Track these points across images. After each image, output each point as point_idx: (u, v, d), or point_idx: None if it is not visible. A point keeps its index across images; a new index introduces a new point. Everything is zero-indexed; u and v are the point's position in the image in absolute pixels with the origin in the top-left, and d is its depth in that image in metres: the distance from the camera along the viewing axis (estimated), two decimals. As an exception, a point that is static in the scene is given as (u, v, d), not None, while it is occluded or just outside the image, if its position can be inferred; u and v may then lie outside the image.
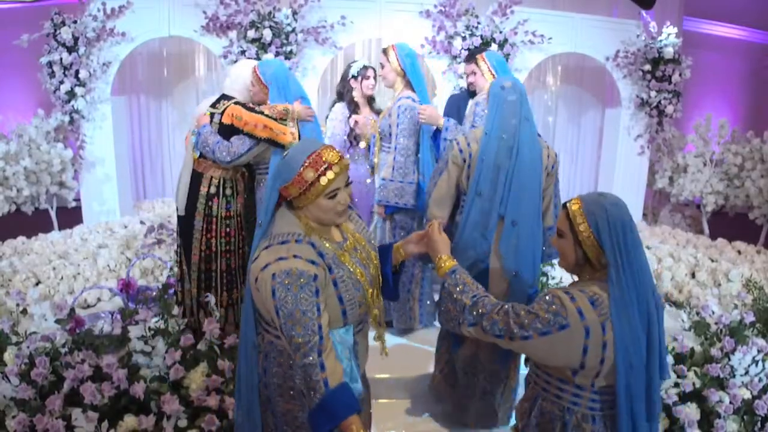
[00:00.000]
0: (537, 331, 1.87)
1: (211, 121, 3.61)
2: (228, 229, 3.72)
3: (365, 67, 4.64)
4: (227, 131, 3.58)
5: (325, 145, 1.98)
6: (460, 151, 3.17)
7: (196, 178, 3.69)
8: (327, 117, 4.82)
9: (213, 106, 3.65)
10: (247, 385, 2.07)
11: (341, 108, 4.71)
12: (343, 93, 4.72)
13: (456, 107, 4.94)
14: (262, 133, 3.55)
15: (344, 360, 2.01)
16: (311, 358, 1.85)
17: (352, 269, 2.03)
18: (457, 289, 2.12)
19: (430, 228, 2.28)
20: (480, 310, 2.02)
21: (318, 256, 1.95)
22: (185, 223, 3.74)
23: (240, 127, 3.55)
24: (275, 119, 3.56)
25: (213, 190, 3.67)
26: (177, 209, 3.79)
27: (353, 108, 4.68)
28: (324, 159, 1.92)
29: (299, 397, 1.99)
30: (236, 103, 3.61)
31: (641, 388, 1.88)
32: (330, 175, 1.92)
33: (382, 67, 4.21)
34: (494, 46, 6.85)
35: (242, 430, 2.11)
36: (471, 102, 4.12)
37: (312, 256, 1.93)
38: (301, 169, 1.91)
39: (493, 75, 3.87)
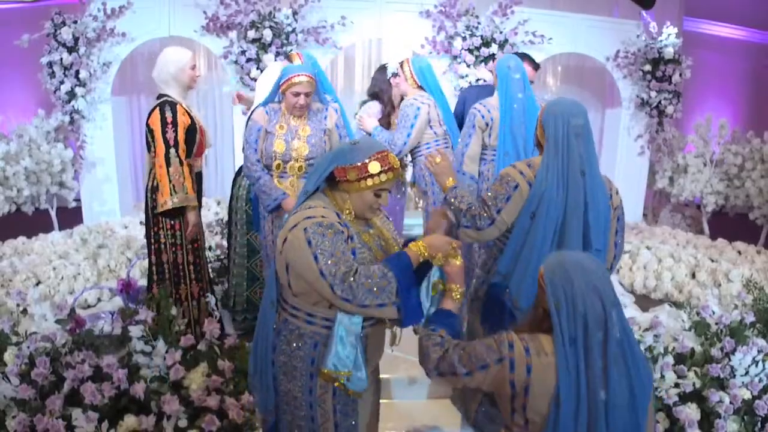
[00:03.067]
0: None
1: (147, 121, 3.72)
2: (173, 222, 3.75)
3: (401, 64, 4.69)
4: (153, 134, 3.65)
5: (387, 150, 2.18)
6: (482, 116, 3.97)
7: (148, 174, 3.82)
8: (356, 114, 4.86)
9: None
10: (263, 347, 2.23)
11: (376, 105, 4.77)
12: (379, 93, 4.78)
13: (462, 102, 4.98)
14: (156, 174, 3.67)
15: (348, 346, 2.08)
16: (361, 274, 2.00)
17: (371, 248, 2.21)
18: (456, 200, 2.81)
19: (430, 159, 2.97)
20: (473, 213, 2.73)
21: (342, 226, 2.10)
22: (145, 217, 3.87)
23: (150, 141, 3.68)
24: (170, 180, 3.61)
25: (155, 183, 3.70)
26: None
27: (391, 107, 4.73)
28: (390, 160, 2.15)
29: (300, 377, 2.15)
30: (164, 107, 3.63)
31: None
32: (389, 175, 2.14)
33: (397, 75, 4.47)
34: (494, 46, 6.85)
35: (254, 390, 2.31)
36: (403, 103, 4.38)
37: (337, 220, 2.11)
38: (368, 160, 2.12)
39: (415, 80, 4.34)
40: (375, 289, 1.98)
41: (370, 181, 2.12)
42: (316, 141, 3.70)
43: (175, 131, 3.60)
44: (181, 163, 3.62)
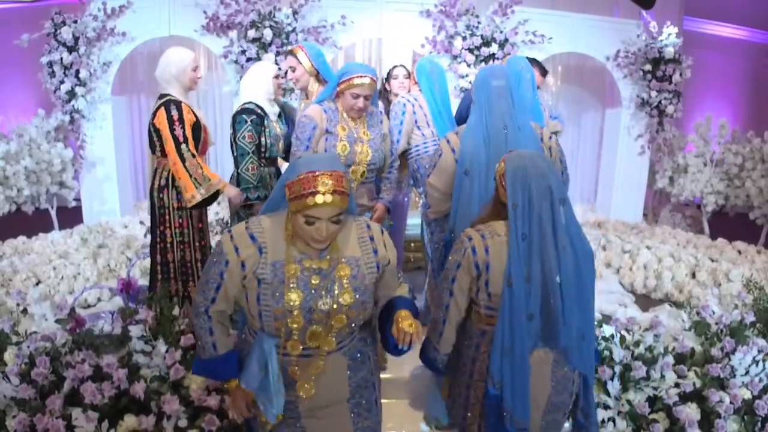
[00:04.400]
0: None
1: (151, 121, 3.69)
2: (180, 220, 3.77)
3: (393, 67, 4.68)
4: (158, 132, 3.65)
5: (334, 172, 1.87)
6: None
7: (153, 174, 3.81)
8: None
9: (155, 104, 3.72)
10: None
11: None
12: (380, 94, 4.75)
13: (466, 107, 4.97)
14: (172, 173, 3.67)
15: (255, 365, 2.01)
16: (202, 320, 2.05)
17: (285, 282, 1.95)
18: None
19: None
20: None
21: (251, 243, 1.96)
22: (151, 217, 3.86)
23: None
24: (190, 175, 3.61)
25: (163, 182, 3.73)
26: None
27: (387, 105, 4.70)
28: (317, 183, 1.84)
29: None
30: (168, 105, 3.63)
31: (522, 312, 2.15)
32: (310, 201, 1.84)
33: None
34: (494, 46, 6.85)
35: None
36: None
37: (243, 243, 1.96)
38: (296, 178, 1.88)
39: (414, 80, 4.24)
40: (200, 343, 2.12)
41: (296, 203, 1.87)
42: (377, 146, 3.48)
43: (183, 127, 3.61)
44: (194, 156, 3.62)
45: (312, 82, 3.95)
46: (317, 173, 1.85)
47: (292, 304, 1.94)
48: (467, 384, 2.38)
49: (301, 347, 2.01)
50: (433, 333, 2.42)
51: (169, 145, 3.60)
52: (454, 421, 2.55)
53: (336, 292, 1.98)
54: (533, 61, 4.72)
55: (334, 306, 1.98)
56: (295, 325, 1.96)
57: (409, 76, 4.76)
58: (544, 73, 4.95)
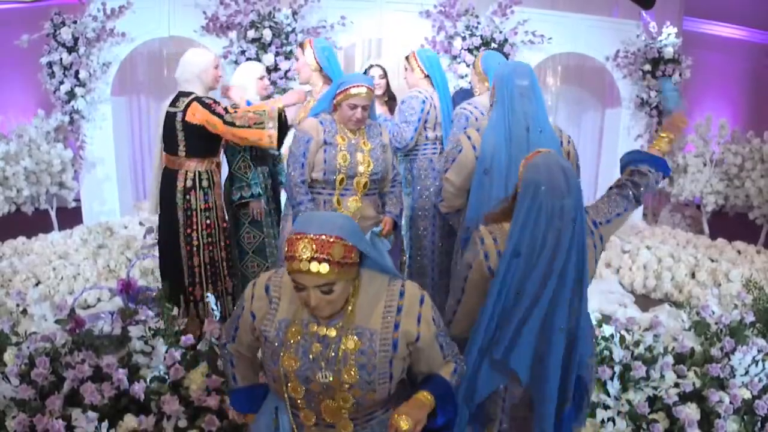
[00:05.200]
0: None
1: (175, 119, 3.62)
2: (208, 221, 3.75)
3: (370, 66, 4.65)
4: (194, 130, 3.61)
5: (320, 237, 1.67)
6: (476, 119, 3.73)
7: (168, 175, 3.73)
8: None
9: (173, 104, 3.67)
10: None
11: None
12: None
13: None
14: (241, 142, 3.67)
15: (266, 415, 1.97)
16: (224, 351, 2.04)
17: (285, 344, 1.82)
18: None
19: None
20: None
21: (265, 294, 1.87)
22: (166, 220, 3.78)
23: (214, 132, 3.61)
24: (249, 126, 3.54)
25: (189, 183, 3.69)
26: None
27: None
28: (296, 248, 1.67)
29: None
30: (198, 99, 3.61)
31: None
32: (288, 266, 1.71)
33: (406, 69, 4.29)
34: (494, 46, 6.85)
35: None
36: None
37: (259, 292, 1.89)
38: (288, 235, 1.73)
39: (422, 70, 4.13)
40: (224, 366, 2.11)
41: (287, 265, 1.72)
42: (378, 155, 3.39)
43: (224, 107, 3.60)
44: (235, 111, 3.58)
45: (316, 78, 3.92)
46: (299, 236, 1.67)
47: (288, 369, 1.79)
48: None
49: (314, 419, 1.86)
50: (446, 316, 2.40)
51: (220, 126, 3.55)
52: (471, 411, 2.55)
53: (338, 366, 1.78)
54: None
55: (335, 381, 1.78)
56: (295, 394, 1.82)
57: (385, 75, 4.73)
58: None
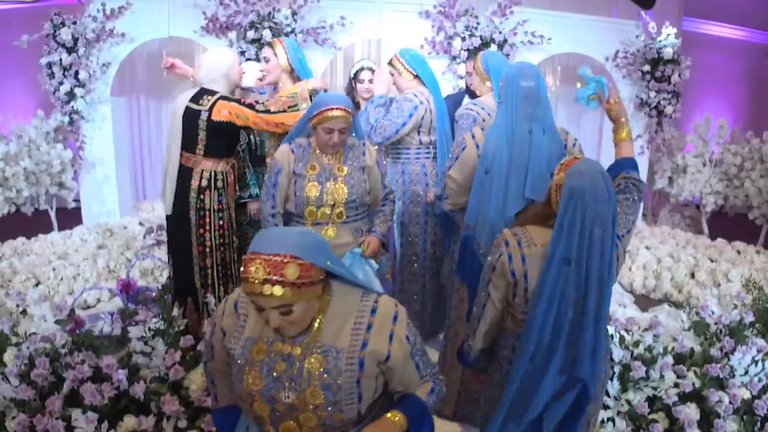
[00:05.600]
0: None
1: (198, 117, 3.58)
2: (221, 222, 3.72)
3: (361, 69, 4.56)
4: (219, 129, 3.58)
5: (274, 258, 1.58)
6: (483, 119, 3.66)
7: (184, 174, 3.68)
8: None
9: (195, 101, 3.61)
10: None
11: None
12: (348, 92, 4.67)
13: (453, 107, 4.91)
14: (275, 129, 3.60)
15: None
16: (205, 370, 2.03)
17: (249, 362, 1.77)
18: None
19: None
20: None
21: (234, 311, 1.83)
22: (177, 220, 3.73)
23: (242, 125, 3.57)
24: (284, 111, 3.55)
25: (204, 183, 3.66)
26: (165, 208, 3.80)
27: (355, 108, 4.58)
28: (248, 269, 1.59)
29: None
30: (223, 98, 3.59)
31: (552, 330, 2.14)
32: (243, 288, 1.65)
33: (392, 75, 4.19)
34: (493, 47, 6.85)
35: None
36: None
37: (228, 309, 1.85)
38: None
39: (410, 71, 4.07)
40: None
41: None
42: (355, 181, 3.16)
43: (250, 101, 3.60)
44: (267, 101, 3.60)
45: (285, 79, 3.87)
46: (253, 256, 1.60)
47: (252, 388, 1.74)
48: (501, 383, 2.39)
49: None
50: (469, 327, 2.47)
51: (252, 117, 3.54)
52: (485, 417, 2.56)
53: (301, 386, 1.71)
54: (476, 52, 4.76)
55: (298, 401, 1.71)
56: (261, 413, 1.76)
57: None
58: None
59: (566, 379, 2.15)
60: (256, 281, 1.57)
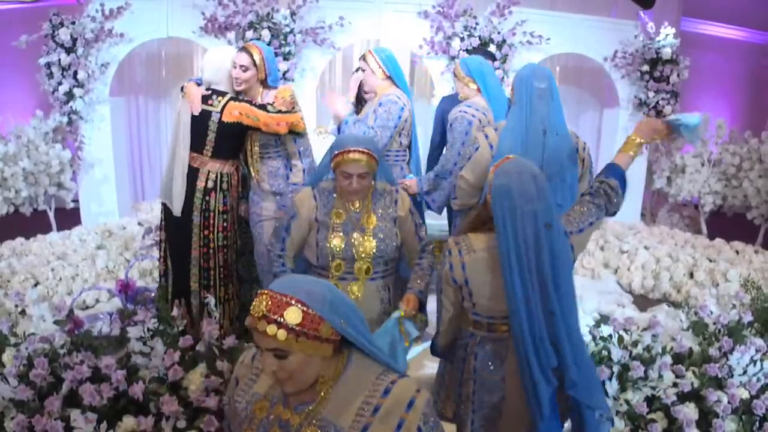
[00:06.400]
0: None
1: (209, 118, 3.58)
2: (225, 224, 3.73)
3: (357, 69, 4.54)
4: (229, 130, 3.58)
5: (273, 295, 1.50)
6: (479, 120, 3.74)
7: (189, 174, 3.68)
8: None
9: (204, 102, 3.61)
10: None
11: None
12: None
13: (441, 118, 4.89)
14: (284, 130, 3.60)
15: None
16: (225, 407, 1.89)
17: (248, 420, 1.68)
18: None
19: None
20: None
21: (250, 362, 1.77)
22: (179, 221, 3.71)
23: (249, 125, 3.58)
24: (290, 111, 3.59)
25: (210, 184, 3.67)
26: (166, 209, 3.79)
27: (356, 104, 4.47)
28: (253, 304, 1.51)
29: None
30: (233, 98, 3.61)
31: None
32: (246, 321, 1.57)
33: (363, 71, 4.13)
34: (492, 47, 6.86)
35: None
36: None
37: (246, 359, 1.79)
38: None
39: (384, 71, 4.01)
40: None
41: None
42: (385, 234, 2.84)
43: (255, 103, 3.61)
44: (272, 106, 3.62)
45: (257, 86, 3.83)
46: (263, 291, 1.52)
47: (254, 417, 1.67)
48: (459, 381, 2.44)
49: None
50: (437, 328, 2.54)
51: (263, 117, 3.55)
52: (451, 414, 2.61)
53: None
54: (480, 51, 4.80)
55: None
56: None
57: None
58: (493, 58, 4.92)
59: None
60: (256, 315, 1.48)
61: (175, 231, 3.79)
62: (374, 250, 2.80)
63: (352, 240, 2.79)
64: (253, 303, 1.50)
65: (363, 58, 4.11)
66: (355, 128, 3.91)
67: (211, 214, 3.68)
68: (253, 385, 1.72)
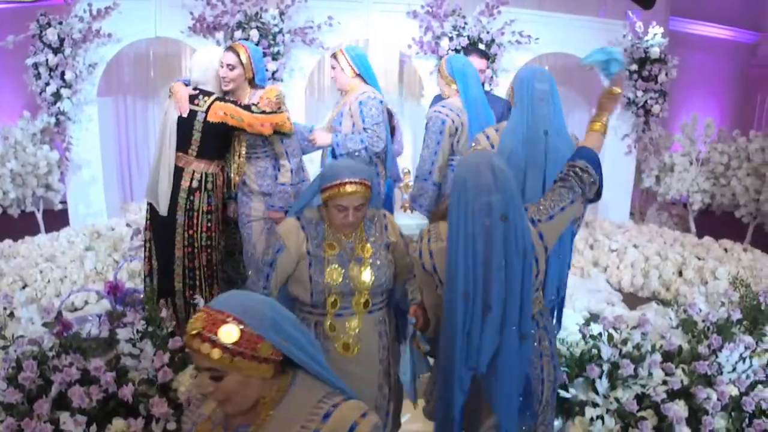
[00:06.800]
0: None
1: (194, 118, 3.59)
2: (209, 224, 3.75)
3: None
4: (214, 130, 3.58)
5: (210, 312, 1.42)
6: (452, 121, 3.85)
7: (174, 174, 3.69)
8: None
9: (191, 102, 3.62)
10: None
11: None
12: None
13: None
14: (269, 130, 3.59)
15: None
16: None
17: None
18: None
19: None
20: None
21: None
22: (163, 221, 3.73)
23: (235, 126, 3.58)
24: (275, 112, 3.58)
25: (195, 184, 3.68)
26: (151, 209, 3.81)
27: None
28: (185, 335, 1.43)
29: None
30: (219, 99, 3.61)
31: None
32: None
33: (333, 68, 4.14)
34: (482, 47, 6.86)
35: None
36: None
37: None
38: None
39: (354, 69, 4.02)
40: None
41: None
42: (381, 262, 2.62)
43: (239, 104, 3.61)
44: (256, 107, 3.61)
45: (245, 86, 3.83)
46: (203, 308, 1.44)
47: None
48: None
49: None
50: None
51: (247, 118, 3.55)
52: (435, 409, 2.56)
53: None
54: (475, 50, 4.81)
55: None
56: None
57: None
58: (486, 57, 4.90)
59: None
60: (190, 332, 1.39)
61: (160, 231, 3.80)
62: (373, 281, 2.58)
63: (350, 272, 2.55)
64: (190, 320, 1.42)
65: (334, 56, 4.11)
66: (349, 141, 3.93)
67: (196, 213, 3.69)
68: (201, 405, 1.64)
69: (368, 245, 2.61)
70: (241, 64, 3.70)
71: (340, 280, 2.53)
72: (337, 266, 2.54)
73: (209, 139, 3.63)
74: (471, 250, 2.07)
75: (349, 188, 2.44)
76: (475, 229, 2.06)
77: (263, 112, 3.55)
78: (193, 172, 3.67)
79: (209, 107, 3.57)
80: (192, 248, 3.72)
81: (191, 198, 3.67)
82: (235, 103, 3.60)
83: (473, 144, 3.26)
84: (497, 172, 2.09)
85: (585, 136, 2.67)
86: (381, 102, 4.00)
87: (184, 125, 3.62)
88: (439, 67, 4.07)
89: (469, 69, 3.98)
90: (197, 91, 3.66)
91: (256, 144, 3.81)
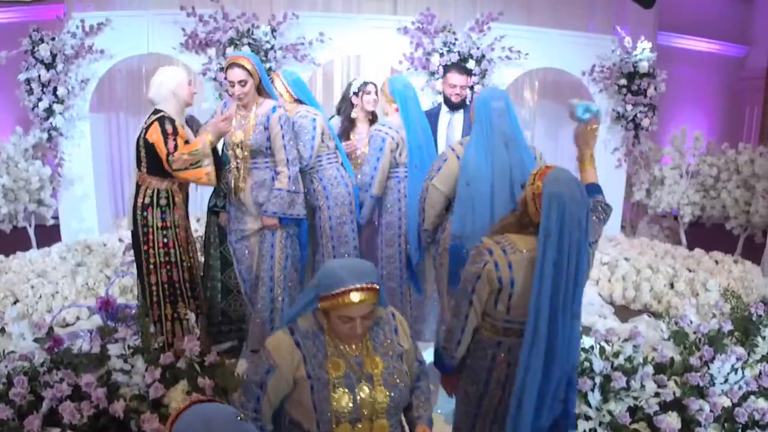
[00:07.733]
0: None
1: (140, 135, 3.71)
2: (165, 240, 3.76)
3: (365, 83, 4.65)
4: (151, 149, 3.66)
5: None
6: (392, 138, 4.13)
7: (135, 190, 3.79)
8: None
9: (146, 119, 3.73)
10: None
11: (336, 121, 4.74)
12: (340, 110, 4.75)
13: (433, 121, 4.97)
14: (179, 177, 3.71)
15: None
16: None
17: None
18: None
19: None
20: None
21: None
22: (133, 236, 3.84)
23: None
24: (186, 169, 3.64)
25: (147, 200, 3.74)
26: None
27: (348, 125, 4.65)
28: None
29: None
30: (160, 120, 3.65)
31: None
32: None
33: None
34: (472, 62, 6.91)
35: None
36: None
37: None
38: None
39: (291, 95, 4.24)
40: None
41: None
42: (395, 378, 2.21)
43: (176, 142, 3.61)
44: (176, 153, 3.63)
45: (253, 94, 3.88)
46: None
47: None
48: (481, 393, 2.45)
49: None
50: (448, 342, 2.49)
51: (164, 158, 3.62)
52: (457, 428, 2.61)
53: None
54: (454, 66, 4.99)
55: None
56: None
57: (376, 92, 4.69)
58: (466, 72, 4.94)
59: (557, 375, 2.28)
60: None
61: (133, 247, 3.90)
62: (387, 402, 2.16)
63: (360, 394, 2.13)
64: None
65: (272, 80, 4.22)
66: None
67: (150, 229, 3.74)
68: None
69: (377, 358, 2.19)
70: (251, 75, 3.76)
71: (351, 405, 2.11)
72: (343, 389, 2.12)
73: (150, 157, 3.71)
74: (564, 264, 2.17)
75: (355, 297, 2.02)
76: (571, 242, 2.17)
77: (171, 166, 3.63)
78: (146, 188, 3.76)
79: (148, 126, 3.66)
80: (148, 264, 3.77)
81: (144, 214, 3.74)
82: (165, 135, 3.62)
83: (439, 157, 3.53)
84: (581, 185, 2.25)
85: (581, 175, 2.88)
86: (313, 119, 4.14)
87: (137, 143, 3.73)
88: (382, 86, 4.30)
89: (410, 91, 4.20)
90: (153, 109, 3.75)
91: (258, 152, 3.87)
